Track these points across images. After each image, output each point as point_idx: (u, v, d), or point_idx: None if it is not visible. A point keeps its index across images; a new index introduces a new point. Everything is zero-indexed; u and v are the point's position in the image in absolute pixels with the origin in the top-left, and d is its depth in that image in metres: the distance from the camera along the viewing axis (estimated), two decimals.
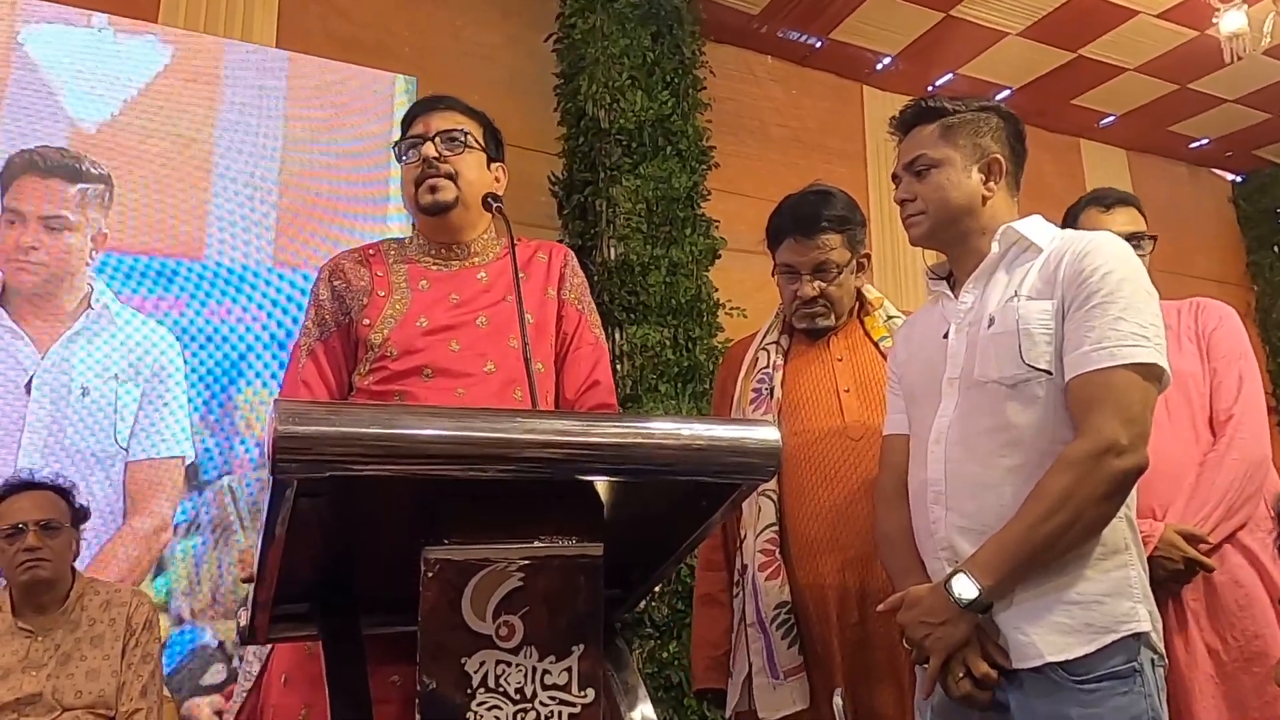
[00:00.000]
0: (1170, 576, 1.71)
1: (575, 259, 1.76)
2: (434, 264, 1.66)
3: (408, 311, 1.58)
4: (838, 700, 1.41)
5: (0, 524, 2.16)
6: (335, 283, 1.64)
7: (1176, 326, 1.92)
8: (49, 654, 2.14)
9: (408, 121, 1.70)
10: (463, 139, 1.64)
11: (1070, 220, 2.04)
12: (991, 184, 1.46)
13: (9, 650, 2.12)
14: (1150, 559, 1.67)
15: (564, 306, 1.68)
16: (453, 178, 1.62)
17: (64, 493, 2.26)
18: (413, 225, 1.74)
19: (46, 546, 2.16)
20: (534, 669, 0.95)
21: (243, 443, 3.40)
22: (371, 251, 1.70)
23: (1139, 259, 1.39)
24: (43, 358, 3.16)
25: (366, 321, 1.58)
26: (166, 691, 2.43)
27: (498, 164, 1.72)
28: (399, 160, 1.69)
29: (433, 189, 1.61)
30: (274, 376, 3.46)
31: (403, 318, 1.57)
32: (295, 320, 3.50)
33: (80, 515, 2.29)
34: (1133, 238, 1.92)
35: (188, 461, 3.28)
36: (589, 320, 1.70)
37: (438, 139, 1.63)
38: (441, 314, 1.58)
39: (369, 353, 1.56)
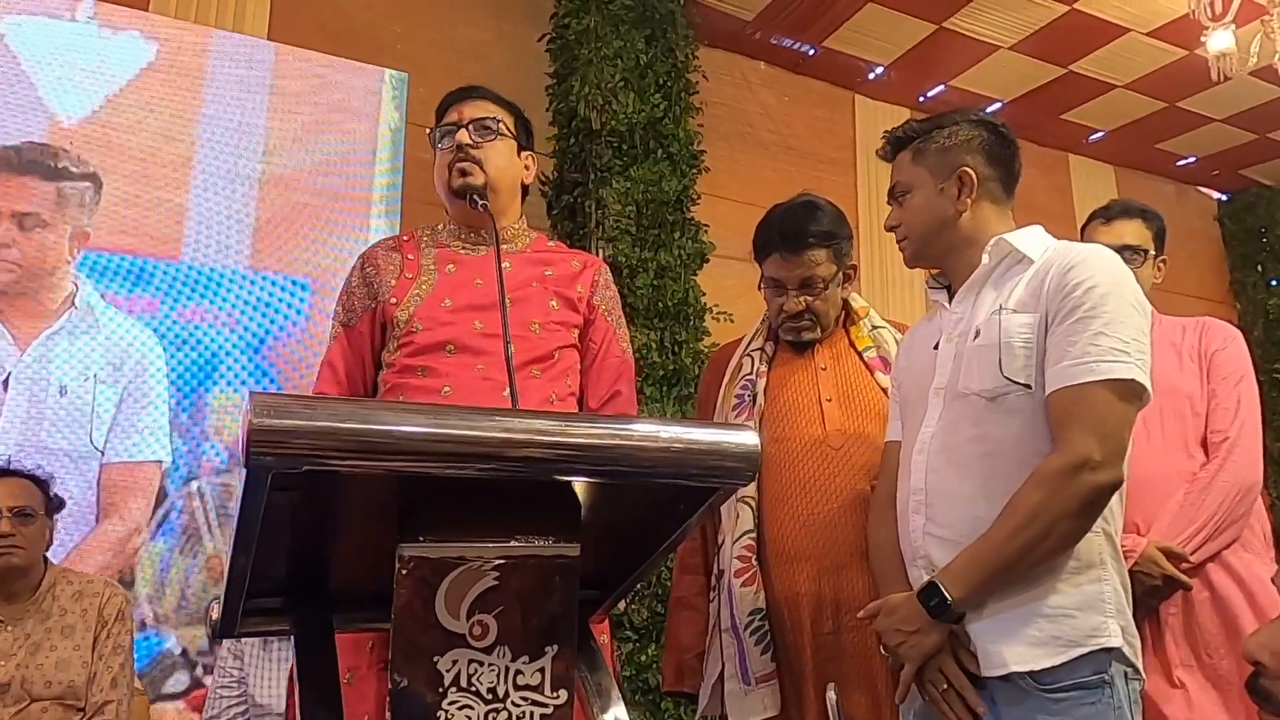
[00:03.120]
0: (1148, 592, 1.72)
1: (609, 273, 1.82)
2: (463, 248, 1.73)
3: (433, 292, 1.65)
4: (831, 695, 1.42)
5: None
6: (366, 269, 1.73)
7: (1180, 344, 1.93)
8: (19, 643, 2.12)
9: (442, 110, 1.77)
10: (494, 126, 1.72)
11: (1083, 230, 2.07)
12: (965, 198, 1.46)
13: None
14: (1130, 573, 1.68)
15: (595, 313, 1.74)
16: (482, 163, 1.69)
17: (39, 482, 2.24)
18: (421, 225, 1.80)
19: (20, 534, 2.14)
20: (507, 669, 0.95)
21: (212, 446, 3.35)
22: (405, 238, 1.78)
23: (1129, 273, 1.38)
24: (22, 354, 3.12)
25: (394, 300, 1.66)
26: (139, 684, 2.41)
27: (528, 153, 1.80)
28: (434, 146, 1.76)
29: (463, 173, 1.69)
30: (246, 381, 3.43)
31: (428, 297, 1.65)
32: (271, 324, 3.47)
33: (55, 505, 2.27)
34: (1123, 250, 1.93)
35: (165, 466, 3.25)
36: (618, 334, 1.77)
37: (470, 126, 1.71)
38: (466, 295, 1.65)
39: (396, 329, 1.64)
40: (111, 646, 2.18)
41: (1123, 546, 1.68)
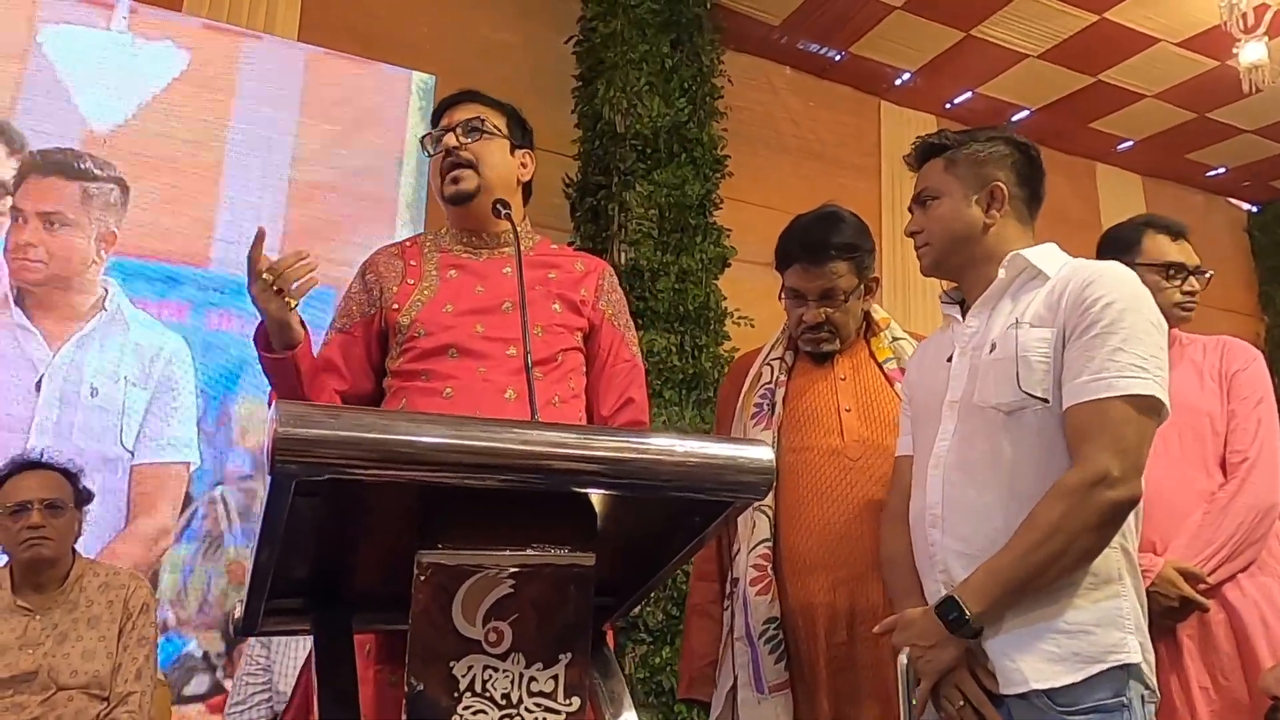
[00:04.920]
0: (1164, 613, 1.71)
1: (614, 275, 1.81)
2: (464, 252, 1.73)
3: (435, 297, 1.65)
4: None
5: (5, 501, 2.18)
6: (368, 276, 1.73)
7: (1201, 363, 1.92)
8: (46, 633, 2.16)
9: (436, 118, 1.77)
10: (481, 126, 1.70)
11: (1122, 239, 1.99)
12: (994, 212, 1.47)
13: (7, 627, 2.14)
14: (1146, 593, 1.68)
15: (601, 318, 1.73)
16: (474, 165, 1.68)
17: (70, 474, 2.29)
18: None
19: (50, 525, 2.18)
20: (521, 675, 0.97)
21: (236, 452, 3.39)
22: (409, 244, 1.78)
23: (1146, 290, 1.38)
24: (54, 357, 3.17)
25: (395, 306, 1.66)
26: (160, 675, 2.45)
27: (523, 150, 1.78)
28: (427, 154, 1.76)
29: (455, 179, 1.68)
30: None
31: (430, 302, 1.64)
32: None
33: (84, 497, 2.31)
34: (1181, 269, 1.92)
35: (193, 468, 3.29)
36: (626, 338, 1.76)
37: (458, 129, 1.70)
38: (467, 300, 1.65)
39: (399, 335, 1.64)
40: (136, 638, 2.21)
41: (1140, 565, 1.68)
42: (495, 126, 1.72)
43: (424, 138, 1.76)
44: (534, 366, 1.55)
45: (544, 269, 1.71)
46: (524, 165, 1.77)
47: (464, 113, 1.72)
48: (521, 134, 1.78)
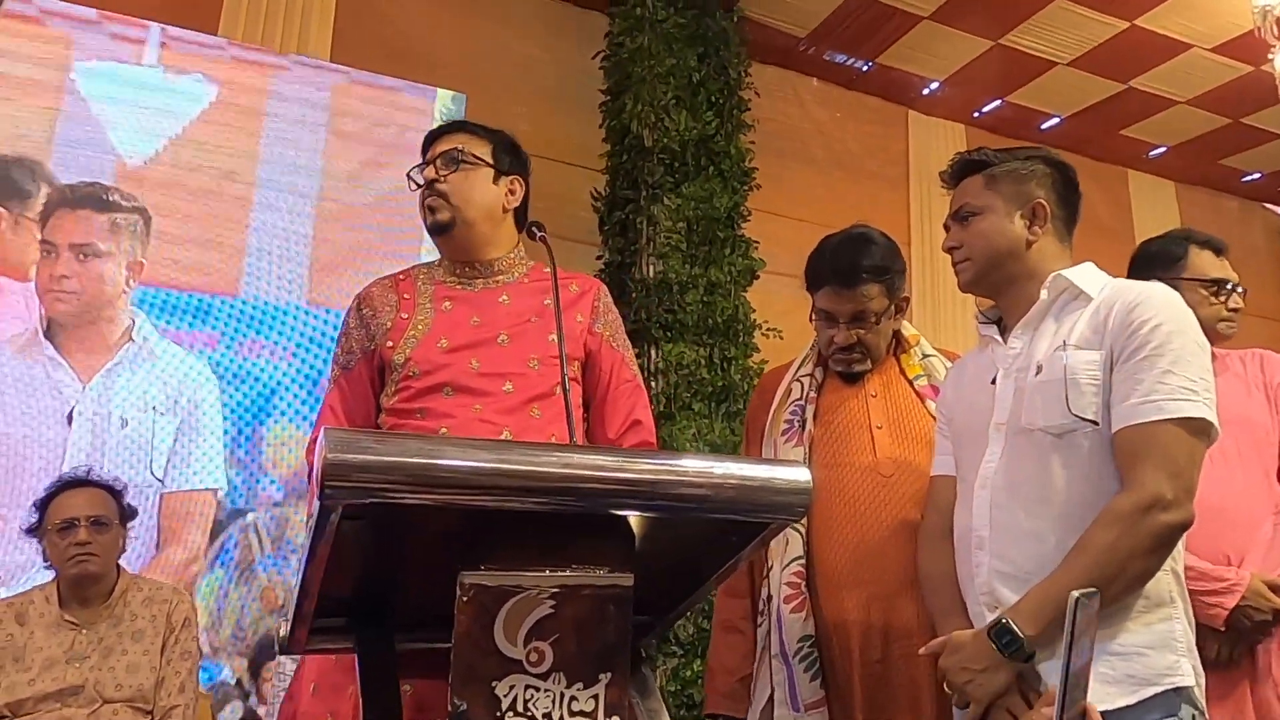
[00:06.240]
0: (1256, 627, 1.70)
1: (608, 294, 1.80)
2: (458, 284, 1.72)
3: (429, 332, 1.64)
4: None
5: (54, 518, 2.24)
6: (364, 310, 1.72)
7: (1244, 374, 1.92)
8: (92, 647, 2.20)
9: (424, 152, 1.77)
10: (459, 156, 1.70)
11: (1166, 254, 1.99)
12: (1036, 229, 1.47)
13: (55, 641, 2.19)
14: (1237, 608, 1.68)
15: (599, 341, 1.72)
16: (448, 196, 1.68)
17: (114, 492, 2.34)
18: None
19: (96, 542, 2.23)
20: (562, 695, 0.98)
21: (268, 479, 3.43)
22: (402, 276, 1.77)
23: (1190, 313, 1.38)
24: (84, 389, 3.24)
25: (390, 344, 1.64)
26: (202, 689, 2.49)
27: (510, 177, 1.76)
28: (411, 189, 1.77)
29: (432, 210, 1.69)
30: (303, 415, 3.51)
31: (424, 338, 1.63)
32: (327, 359, 3.56)
33: (128, 514, 2.37)
34: (1225, 285, 1.92)
35: (220, 494, 3.35)
36: (626, 359, 1.75)
37: (438, 161, 1.70)
38: (462, 334, 1.63)
39: (394, 373, 1.63)
40: (179, 652, 2.26)
41: (1225, 579, 1.68)
42: (476, 156, 1.70)
43: (409, 172, 1.76)
44: (531, 402, 1.58)
45: (540, 295, 1.69)
46: (511, 192, 1.75)
47: (445, 144, 1.71)
48: (510, 160, 1.75)
